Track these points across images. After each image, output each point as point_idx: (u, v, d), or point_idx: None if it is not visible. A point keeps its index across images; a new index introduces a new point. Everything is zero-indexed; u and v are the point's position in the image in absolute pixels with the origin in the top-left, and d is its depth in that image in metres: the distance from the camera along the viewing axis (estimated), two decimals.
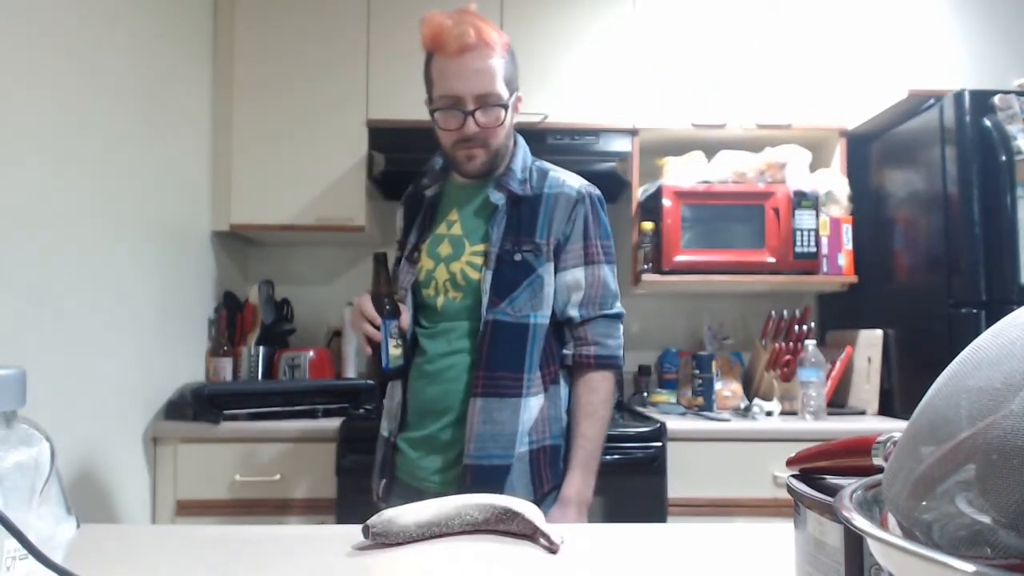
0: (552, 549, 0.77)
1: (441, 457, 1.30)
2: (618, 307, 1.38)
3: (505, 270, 1.29)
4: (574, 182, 1.37)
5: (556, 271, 1.34)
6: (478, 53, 1.23)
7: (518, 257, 1.30)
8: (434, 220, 1.38)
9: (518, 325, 1.29)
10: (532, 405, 1.30)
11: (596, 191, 1.40)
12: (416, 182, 1.46)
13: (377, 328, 1.27)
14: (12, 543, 0.50)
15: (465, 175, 1.35)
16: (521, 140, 1.40)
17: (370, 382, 2.17)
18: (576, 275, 1.34)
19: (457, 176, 1.38)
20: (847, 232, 2.34)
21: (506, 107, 1.28)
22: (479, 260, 1.31)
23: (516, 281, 1.29)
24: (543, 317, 1.32)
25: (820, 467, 0.60)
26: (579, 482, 1.29)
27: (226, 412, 1.96)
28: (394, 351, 1.28)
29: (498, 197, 1.32)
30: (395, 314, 1.28)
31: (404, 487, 1.35)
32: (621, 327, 1.38)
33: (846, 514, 0.35)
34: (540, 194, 1.34)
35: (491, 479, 1.26)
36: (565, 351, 1.37)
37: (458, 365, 1.30)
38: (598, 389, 1.33)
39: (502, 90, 1.26)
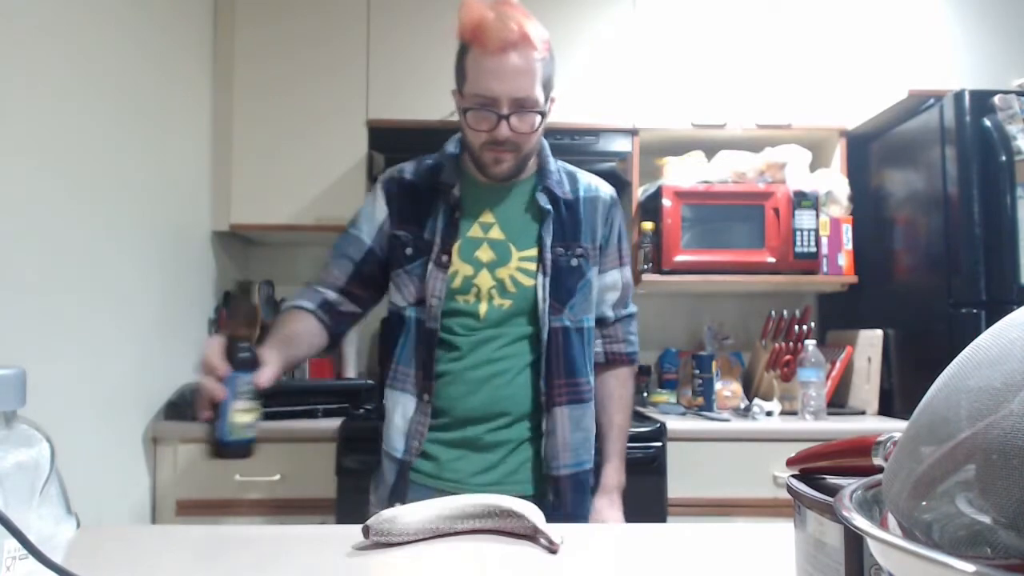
0: (552, 549, 0.77)
1: (483, 457, 1.24)
2: (634, 305, 1.44)
3: (561, 276, 1.26)
4: (605, 186, 1.37)
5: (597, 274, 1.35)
6: (520, 52, 1.15)
7: (574, 262, 1.27)
8: (461, 221, 1.27)
9: (578, 330, 1.28)
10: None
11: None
12: (419, 170, 1.33)
13: (221, 381, 0.97)
14: (12, 543, 0.50)
15: (490, 178, 1.27)
16: (543, 139, 1.36)
17: (370, 382, 2.17)
18: (614, 277, 1.37)
19: (477, 174, 1.30)
20: (847, 232, 2.34)
21: (543, 113, 1.22)
22: (531, 266, 1.25)
23: (572, 286, 1.27)
24: (592, 320, 1.33)
25: (820, 467, 0.60)
26: (619, 470, 1.35)
27: None
28: (239, 417, 0.96)
29: (546, 201, 1.27)
30: (250, 366, 0.98)
31: (422, 493, 1.23)
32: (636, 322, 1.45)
33: (846, 514, 0.35)
34: (577, 197, 1.32)
35: (583, 485, 1.28)
36: (596, 349, 1.38)
37: (510, 371, 1.25)
38: (628, 382, 1.40)
39: (539, 94, 1.19)
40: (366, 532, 0.78)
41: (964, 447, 0.31)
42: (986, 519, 0.29)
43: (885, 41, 2.23)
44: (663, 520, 1.93)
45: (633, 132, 2.34)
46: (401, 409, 1.26)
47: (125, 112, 1.80)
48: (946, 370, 0.37)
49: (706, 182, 2.31)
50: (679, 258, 2.26)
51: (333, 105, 2.31)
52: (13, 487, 0.54)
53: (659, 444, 1.95)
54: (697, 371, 2.24)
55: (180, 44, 2.12)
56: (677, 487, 1.95)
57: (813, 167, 2.39)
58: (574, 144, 2.30)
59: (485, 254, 1.26)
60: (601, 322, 1.37)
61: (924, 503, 0.33)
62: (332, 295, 1.30)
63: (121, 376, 1.77)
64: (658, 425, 1.98)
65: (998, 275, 1.87)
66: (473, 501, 0.84)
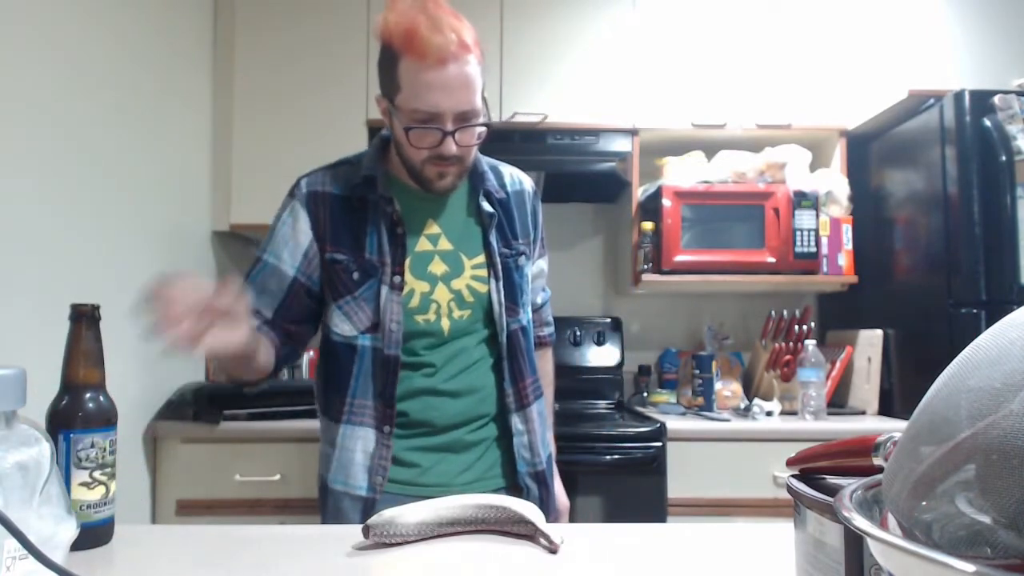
0: (552, 549, 0.77)
1: (462, 458, 1.22)
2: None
3: (511, 277, 1.25)
4: (523, 177, 1.35)
5: None
6: (460, 61, 1.07)
7: (521, 261, 1.27)
8: (406, 236, 1.19)
9: (528, 325, 1.30)
10: None
11: None
12: (345, 182, 1.22)
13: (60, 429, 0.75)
14: (12, 543, 0.50)
15: (433, 192, 1.19)
16: None
17: None
18: (540, 265, 1.40)
19: (409, 182, 1.21)
20: (847, 232, 2.34)
21: (487, 124, 1.16)
22: (483, 272, 1.23)
23: (522, 285, 1.28)
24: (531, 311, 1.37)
25: (820, 467, 0.60)
26: (551, 441, 1.38)
27: (226, 412, 1.96)
28: (83, 494, 0.74)
29: (489, 205, 1.24)
30: (97, 421, 0.76)
31: (400, 501, 1.22)
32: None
33: (846, 514, 0.35)
34: (507, 193, 1.29)
35: (548, 476, 1.30)
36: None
37: (480, 376, 1.23)
38: (550, 362, 1.48)
39: (480, 104, 1.13)
40: (366, 532, 0.78)
41: (964, 447, 0.31)
42: (986, 519, 0.29)
43: (885, 41, 2.23)
44: (663, 520, 1.93)
45: (633, 132, 2.34)
46: (361, 444, 1.18)
47: (125, 113, 1.80)
48: (946, 370, 0.37)
49: (706, 182, 2.31)
50: (679, 258, 2.26)
51: (333, 105, 2.31)
52: (13, 487, 0.54)
53: (659, 444, 1.95)
54: (697, 371, 2.24)
55: (180, 44, 2.11)
56: (677, 487, 1.95)
57: (813, 167, 2.39)
58: (574, 144, 2.30)
59: (438, 267, 1.21)
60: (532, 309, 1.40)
61: (924, 503, 0.33)
62: (264, 328, 1.19)
63: (121, 376, 1.77)
64: (658, 425, 1.98)
65: (998, 275, 1.87)
66: (473, 501, 0.84)
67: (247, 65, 2.31)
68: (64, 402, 0.75)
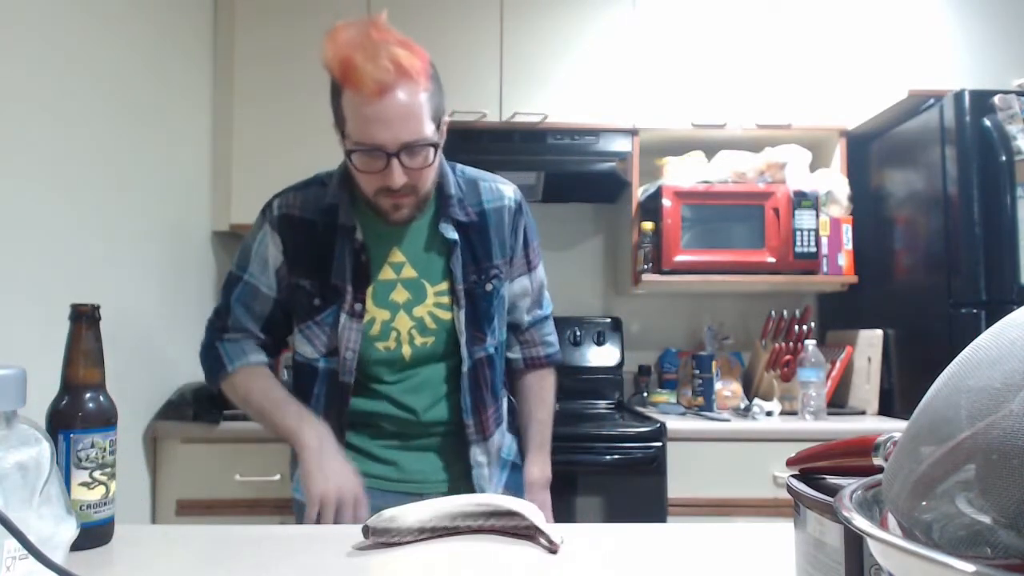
0: (552, 549, 0.77)
1: (444, 456, 1.23)
2: (551, 304, 1.40)
3: (477, 304, 1.21)
4: (507, 190, 1.27)
5: None
6: (401, 90, 1.03)
7: (489, 287, 1.22)
8: (369, 264, 1.18)
9: (497, 349, 1.26)
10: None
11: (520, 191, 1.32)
12: (312, 206, 1.21)
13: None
14: (12, 543, 0.50)
15: (391, 224, 1.17)
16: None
17: None
18: (523, 283, 1.31)
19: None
20: (847, 232, 2.34)
21: (436, 145, 1.10)
22: (446, 300, 1.20)
23: (490, 311, 1.22)
24: (505, 331, 1.31)
25: (820, 467, 0.60)
26: (541, 464, 1.31)
27: (226, 412, 1.96)
28: (83, 494, 0.75)
29: (452, 232, 1.19)
30: (97, 421, 0.76)
31: (381, 498, 1.18)
32: (553, 320, 1.41)
33: (846, 514, 0.35)
34: (482, 211, 1.23)
35: (517, 473, 1.30)
36: (509, 355, 1.34)
37: (442, 407, 1.22)
38: (548, 379, 1.37)
39: (429, 130, 1.08)
40: (366, 532, 0.78)
41: (964, 447, 0.31)
42: (986, 519, 0.29)
43: (885, 41, 2.23)
44: (663, 520, 1.93)
45: (633, 132, 2.34)
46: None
47: (125, 113, 1.80)
48: (946, 370, 0.37)
49: (706, 182, 2.31)
50: (679, 258, 2.26)
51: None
52: (13, 487, 0.54)
53: (659, 444, 1.95)
54: (697, 371, 2.24)
55: (180, 44, 2.12)
56: (677, 487, 1.95)
57: (813, 167, 2.39)
58: (574, 144, 2.30)
59: (400, 295, 1.19)
60: (515, 328, 1.33)
61: (924, 503, 0.33)
62: (253, 344, 1.24)
63: (121, 376, 1.77)
64: (658, 425, 1.98)
65: (998, 275, 1.87)
66: (473, 501, 0.84)
67: (247, 65, 2.31)
68: (64, 402, 0.75)
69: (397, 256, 1.19)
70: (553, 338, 1.39)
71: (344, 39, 1.04)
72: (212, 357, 1.23)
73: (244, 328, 1.23)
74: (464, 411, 1.20)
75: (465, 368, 1.20)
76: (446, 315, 1.20)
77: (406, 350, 1.19)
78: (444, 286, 1.20)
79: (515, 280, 1.30)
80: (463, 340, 1.19)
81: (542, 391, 1.35)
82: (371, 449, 1.22)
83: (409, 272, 1.19)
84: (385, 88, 1.02)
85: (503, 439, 1.29)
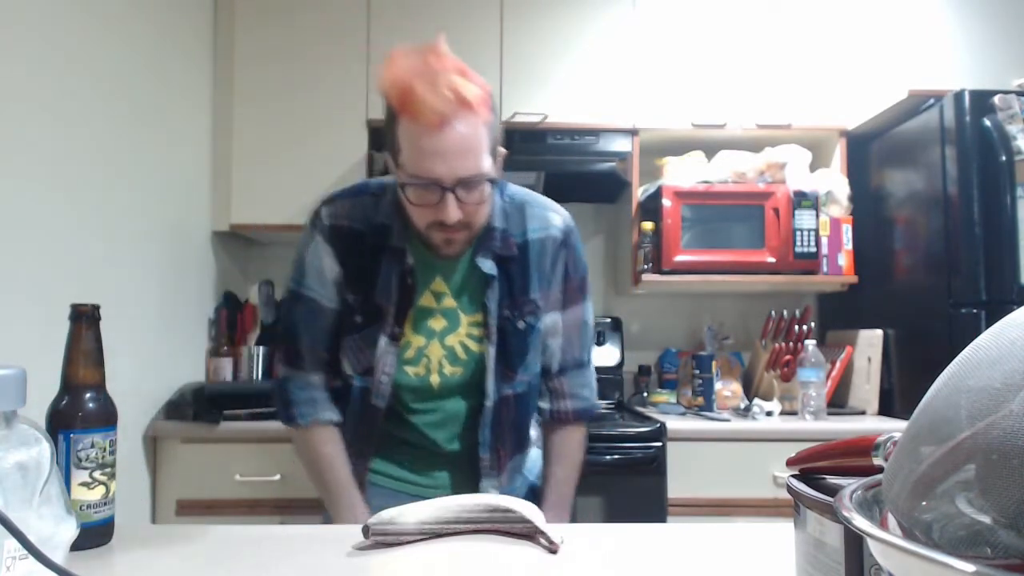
0: (552, 549, 0.77)
1: (452, 477, 1.21)
2: (591, 353, 1.29)
3: (509, 341, 1.15)
4: (556, 219, 1.20)
5: None
6: (460, 122, 0.99)
7: (521, 324, 1.16)
8: (415, 289, 1.14)
9: (530, 386, 1.21)
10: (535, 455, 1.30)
11: (572, 220, 1.24)
12: (363, 218, 1.15)
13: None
14: (12, 543, 0.50)
15: (440, 258, 1.13)
16: None
17: None
18: (553, 319, 1.21)
19: None
20: (847, 232, 2.34)
21: (493, 181, 1.06)
22: (478, 332, 1.16)
23: (523, 347, 1.17)
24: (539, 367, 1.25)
25: (820, 467, 0.60)
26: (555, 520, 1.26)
27: (226, 412, 1.96)
28: (83, 494, 0.75)
29: (490, 267, 1.13)
30: (97, 421, 0.76)
31: (386, 496, 1.19)
32: (593, 369, 1.29)
33: (846, 514, 0.35)
34: (525, 242, 1.17)
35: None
36: (541, 404, 1.25)
37: (462, 442, 1.19)
38: (573, 437, 1.26)
39: (487, 164, 1.03)
40: (366, 532, 0.78)
41: (964, 447, 0.31)
42: (986, 519, 0.29)
43: (885, 41, 2.23)
44: (663, 520, 1.93)
45: (633, 132, 2.34)
46: None
47: (125, 112, 1.80)
48: (946, 370, 0.37)
49: (706, 182, 2.31)
50: (679, 258, 2.26)
51: (333, 105, 2.31)
52: (13, 487, 0.54)
53: (659, 444, 1.95)
54: (697, 371, 2.24)
55: (180, 44, 2.12)
56: (677, 487, 1.95)
57: (813, 167, 2.39)
58: (574, 144, 2.30)
59: (438, 323, 1.16)
60: (545, 372, 1.23)
61: (924, 503, 0.33)
62: (324, 391, 1.19)
63: (121, 376, 1.77)
64: (658, 425, 1.98)
65: (998, 275, 1.87)
66: (473, 501, 0.84)
67: (247, 65, 2.31)
68: (64, 402, 0.75)
69: (440, 286, 1.16)
70: (587, 391, 1.26)
71: (403, 66, 0.99)
72: (283, 400, 1.19)
73: (314, 357, 1.18)
74: (481, 445, 1.16)
75: (489, 403, 1.15)
76: (477, 347, 1.16)
77: (435, 379, 1.16)
78: (478, 317, 1.16)
79: (547, 314, 1.20)
80: (490, 377, 1.15)
81: (564, 448, 1.25)
82: (389, 471, 1.21)
83: (449, 302, 1.16)
84: (445, 119, 0.97)
85: (523, 460, 1.25)
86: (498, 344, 1.15)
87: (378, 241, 1.14)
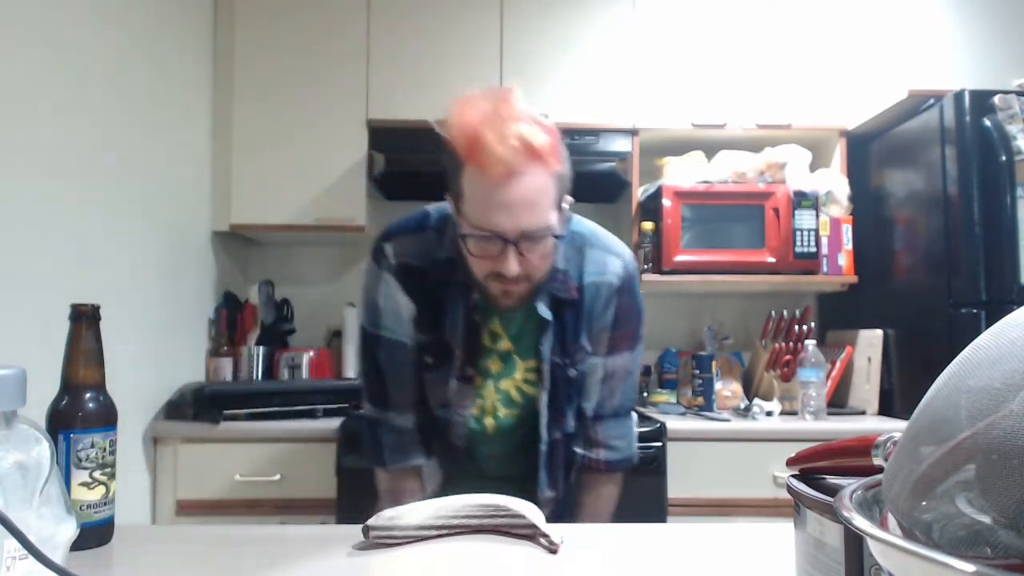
0: (552, 549, 0.77)
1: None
2: (633, 403, 1.25)
3: (560, 385, 1.14)
4: (615, 264, 1.15)
5: None
6: (528, 175, 0.95)
7: (573, 372, 1.14)
8: (481, 326, 1.13)
9: (574, 433, 1.19)
10: None
11: (634, 264, 1.19)
12: (427, 255, 1.12)
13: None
14: (12, 543, 0.50)
15: (498, 309, 1.11)
16: None
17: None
18: (593, 363, 1.17)
19: None
20: (847, 232, 2.34)
21: (559, 236, 1.03)
22: (533, 376, 1.14)
23: (573, 393, 1.16)
24: None
25: (820, 467, 0.60)
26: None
27: (226, 412, 1.96)
28: (83, 494, 0.74)
29: (546, 311, 1.10)
30: (97, 421, 0.76)
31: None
32: (634, 419, 1.26)
33: (846, 514, 0.35)
34: (581, 285, 1.13)
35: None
36: (576, 448, 1.20)
37: (515, 481, 1.15)
38: (604, 490, 1.22)
39: (553, 218, 1.00)
40: (366, 532, 0.78)
41: (964, 447, 0.31)
42: (986, 519, 0.29)
43: (885, 41, 2.23)
44: (663, 520, 1.93)
45: (633, 132, 2.34)
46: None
47: (125, 112, 1.80)
48: (946, 370, 0.37)
49: (706, 182, 2.31)
50: (679, 258, 2.26)
51: (333, 105, 2.31)
52: (13, 487, 0.54)
53: (659, 444, 1.95)
54: (697, 371, 2.24)
55: (180, 44, 2.12)
56: (677, 487, 1.95)
57: (813, 167, 2.39)
58: (574, 144, 2.30)
59: (494, 364, 1.14)
60: (580, 415, 1.19)
61: (924, 503, 0.33)
62: (415, 433, 1.16)
63: (121, 376, 1.77)
64: (658, 425, 1.98)
65: (998, 275, 1.87)
66: (473, 501, 0.84)
67: (247, 65, 2.31)
68: (64, 402, 0.75)
69: (497, 328, 1.14)
70: (622, 442, 1.21)
71: (472, 113, 0.96)
72: (372, 443, 1.17)
73: (402, 397, 1.15)
74: (540, 486, 1.15)
75: (543, 447, 1.14)
76: (532, 391, 1.15)
77: (489, 422, 1.15)
78: (533, 363, 1.14)
79: (594, 359, 1.17)
80: (543, 421, 1.13)
81: (593, 497, 1.21)
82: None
83: (505, 345, 1.14)
84: (512, 171, 0.94)
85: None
86: (550, 390, 1.13)
87: (443, 277, 1.10)
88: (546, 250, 1.02)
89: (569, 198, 1.06)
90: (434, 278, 1.10)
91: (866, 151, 2.39)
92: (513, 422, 1.16)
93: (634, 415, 1.25)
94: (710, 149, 2.39)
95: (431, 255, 1.11)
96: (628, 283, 1.16)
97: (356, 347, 2.47)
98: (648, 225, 2.31)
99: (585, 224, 1.18)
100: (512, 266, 0.99)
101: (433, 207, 1.16)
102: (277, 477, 1.93)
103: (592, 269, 1.14)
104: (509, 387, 1.15)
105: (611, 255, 1.16)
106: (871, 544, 0.32)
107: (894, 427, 1.30)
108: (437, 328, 1.11)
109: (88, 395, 0.76)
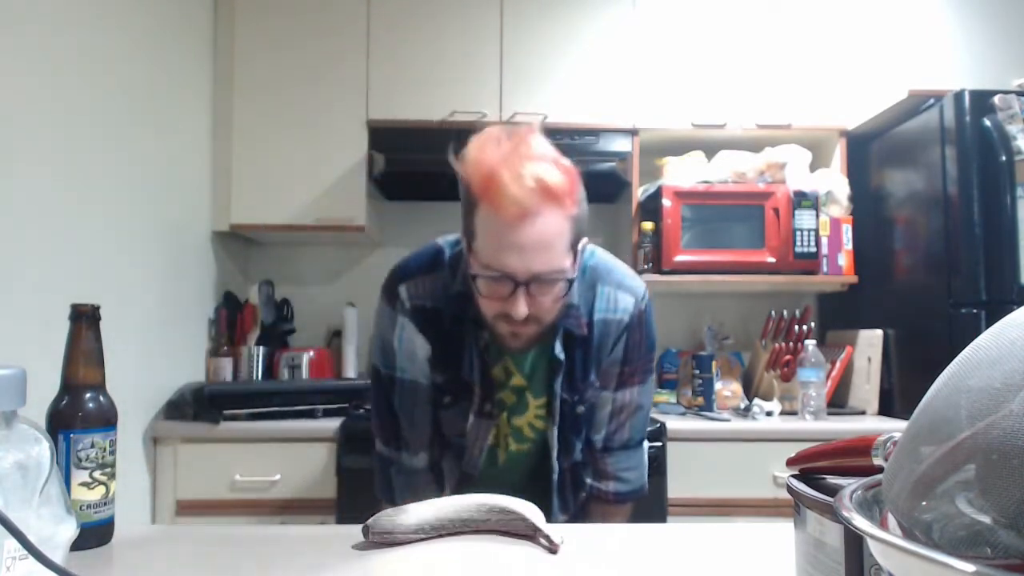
0: (552, 549, 0.77)
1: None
2: (644, 435, 1.23)
3: (566, 422, 1.14)
4: (626, 301, 1.14)
5: None
6: (541, 216, 0.93)
7: (580, 409, 1.14)
8: (492, 364, 1.13)
9: (582, 460, 1.19)
10: None
11: (647, 300, 1.18)
12: (441, 294, 1.11)
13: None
14: (12, 543, 0.50)
15: (506, 350, 1.10)
16: None
17: (369, 382, 2.17)
18: (604, 396, 1.17)
19: None
20: (847, 232, 2.34)
21: (571, 280, 1.01)
22: (544, 412, 1.14)
23: (581, 427, 1.16)
24: None
25: (820, 467, 0.60)
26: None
27: (226, 412, 1.96)
28: (83, 494, 0.75)
29: (561, 349, 1.09)
30: (97, 421, 0.76)
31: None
32: (645, 449, 1.23)
33: (846, 514, 0.35)
34: (591, 322, 1.12)
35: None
36: (585, 476, 1.19)
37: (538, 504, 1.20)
38: (612, 521, 1.21)
39: (567, 261, 0.98)
40: (366, 532, 0.78)
41: (964, 447, 0.31)
42: (986, 519, 0.29)
43: (885, 41, 2.23)
44: (663, 520, 1.93)
45: (633, 132, 2.34)
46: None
47: (125, 113, 1.80)
48: (946, 370, 0.37)
49: (706, 182, 2.31)
50: (679, 258, 2.26)
51: (333, 105, 2.31)
52: (13, 487, 0.54)
53: (659, 444, 1.95)
54: (697, 371, 2.24)
55: (180, 45, 2.12)
56: (677, 487, 1.95)
57: (813, 167, 2.39)
58: (574, 144, 2.30)
59: (508, 398, 1.14)
60: (589, 447, 1.18)
61: (924, 503, 0.33)
62: (428, 473, 1.16)
63: (121, 376, 1.77)
64: (658, 425, 1.98)
65: (998, 275, 1.87)
66: (473, 501, 0.84)
67: (247, 65, 2.31)
68: (64, 402, 0.75)
69: (510, 364, 1.12)
70: (632, 474, 1.19)
71: (489, 150, 0.94)
72: (384, 482, 1.17)
73: (417, 437, 1.15)
74: (553, 512, 1.15)
75: (555, 477, 1.15)
76: (543, 425, 1.15)
77: (500, 455, 1.16)
78: (544, 400, 1.13)
79: (603, 394, 1.17)
80: (554, 453, 1.14)
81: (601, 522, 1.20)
82: None
83: (518, 380, 1.13)
84: (527, 212, 0.92)
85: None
86: (560, 425, 1.13)
87: (458, 312, 1.09)
88: (557, 293, 1.00)
89: (585, 239, 1.05)
90: (449, 314, 1.09)
91: (866, 151, 2.39)
92: (523, 455, 1.17)
93: (645, 446, 1.23)
94: (710, 149, 2.39)
95: (445, 294, 1.10)
96: (639, 320, 1.15)
97: (356, 344, 2.47)
98: (648, 225, 2.31)
99: (600, 257, 1.16)
100: (521, 309, 0.97)
101: (444, 241, 1.14)
102: (277, 477, 1.93)
103: (603, 306, 1.12)
104: (522, 424, 1.15)
105: (623, 291, 1.14)
106: (871, 544, 0.32)
107: (894, 427, 1.30)
108: (454, 366, 1.10)
109: (88, 395, 0.76)
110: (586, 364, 1.12)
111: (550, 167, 0.94)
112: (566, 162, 0.97)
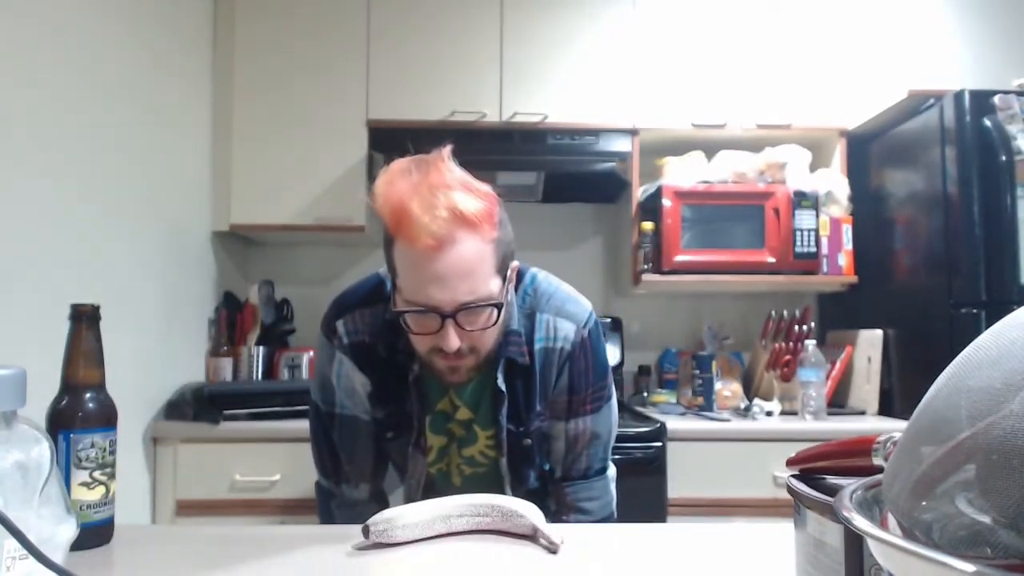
0: (552, 549, 0.77)
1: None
2: (605, 463, 1.19)
3: (515, 453, 1.12)
4: (566, 330, 1.10)
5: None
6: (459, 244, 0.90)
7: (526, 442, 1.11)
8: (428, 395, 1.10)
9: (538, 488, 1.19)
10: None
11: (591, 324, 1.13)
12: (377, 330, 1.08)
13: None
14: (12, 543, 0.50)
15: (446, 384, 1.07)
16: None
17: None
18: (555, 425, 1.14)
19: None
20: (847, 232, 2.34)
21: (499, 305, 0.96)
22: (493, 443, 1.13)
23: (530, 458, 1.14)
24: None
25: (820, 467, 0.60)
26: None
27: (226, 412, 1.96)
28: (83, 494, 0.75)
29: (502, 382, 1.07)
30: (97, 421, 0.77)
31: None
32: (610, 476, 1.20)
33: (846, 514, 0.35)
34: (532, 351, 1.09)
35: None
36: (549, 503, 1.17)
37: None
38: None
39: (494, 287, 0.95)
40: (366, 532, 0.78)
41: (964, 447, 0.31)
42: (986, 519, 0.29)
43: (885, 41, 2.23)
44: (663, 520, 1.93)
45: (633, 132, 2.34)
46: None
47: (125, 113, 1.80)
48: (946, 370, 0.37)
49: (706, 182, 2.31)
50: (679, 258, 2.26)
51: (333, 105, 2.31)
52: (13, 487, 0.54)
53: (659, 444, 1.95)
54: (697, 371, 2.24)
55: (180, 45, 2.11)
56: (677, 487, 1.95)
57: (813, 167, 2.39)
58: (574, 144, 2.30)
59: (456, 428, 1.12)
60: (551, 476, 1.16)
61: (924, 503, 0.33)
62: (370, 503, 1.17)
63: (121, 376, 1.77)
64: (658, 425, 1.98)
65: (998, 275, 1.87)
66: (473, 501, 0.84)
67: (247, 65, 2.31)
68: (64, 402, 0.75)
69: (452, 395, 1.10)
70: (594, 504, 1.15)
71: (399, 184, 0.91)
72: (326, 513, 1.18)
73: (358, 470, 1.15)
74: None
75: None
76: (494, 454, 1.14)
77: (456, 479, 1.17)
78: (492, 431, 1.12)
79: (555, 424, 1.14)
80: (506, 481, 1.14)
81: None
82: None
83: (464, 413, 1.11)
84: (442, 242, 0.88)
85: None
86: (508, 456, 1.12)
87: (391, 343, 1.06)
88: (488, 321, 0.97)
89: (515, 263, 1.03)
90: (385, 349, 1.07)
91: (866, 151, 2.39)
92: (478, 479, 1.16)
93: (610, 472, 1.19)
94: (710, 149, 2.39)
95: (377, 330, 1.08)
96: (582, 347, 1.11)
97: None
98: (648, 225, 2.31)
99: (540, 281, 1.13)
100: (452, 341, 0.94)
101: (386, 271, 1.09)
102: (277, 477, 1.93)
103: (542, 335, 1.09)
104: (473, 453, 1.14)
105: (562, 318, 1.10)
106: (871, 544, 0.32)
107: (894, 427, 1.30)
108: (396, 400, 1.09)
109: (88, 395, 0.76)
110: (529, 395, 1.09)
111: (463, 194, 0.91)
112: (482, 186, 0.94)
